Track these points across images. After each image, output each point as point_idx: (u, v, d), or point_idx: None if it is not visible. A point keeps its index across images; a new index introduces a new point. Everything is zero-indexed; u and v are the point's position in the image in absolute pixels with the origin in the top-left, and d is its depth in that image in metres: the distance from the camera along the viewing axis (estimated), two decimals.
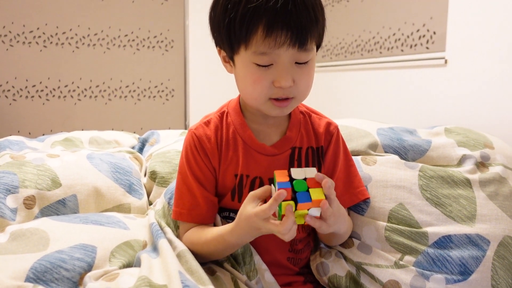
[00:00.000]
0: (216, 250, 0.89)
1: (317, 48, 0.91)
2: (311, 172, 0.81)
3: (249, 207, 0.81)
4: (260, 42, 0.81)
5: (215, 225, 0.94)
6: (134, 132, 1.58)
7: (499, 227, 0.98)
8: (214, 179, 0.94)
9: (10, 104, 2.65)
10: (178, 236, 0.96)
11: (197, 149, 0.93)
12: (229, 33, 0.84)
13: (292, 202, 0.77)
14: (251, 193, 0.82)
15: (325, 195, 0.79)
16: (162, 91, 2.96)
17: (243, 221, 0.82)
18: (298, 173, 0.80)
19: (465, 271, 0.93)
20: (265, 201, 0.80)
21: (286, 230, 0.76)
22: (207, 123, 0.96)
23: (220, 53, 0.92)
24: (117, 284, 0.82)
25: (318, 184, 0.79)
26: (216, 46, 0.92)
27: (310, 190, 0.78)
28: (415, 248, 0.96)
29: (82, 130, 1.77)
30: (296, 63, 0.84)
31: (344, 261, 0.98)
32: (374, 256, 0.97)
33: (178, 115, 3.03)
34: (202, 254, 0.90)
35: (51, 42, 2.67)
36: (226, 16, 0.83)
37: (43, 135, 1.61)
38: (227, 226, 0.86)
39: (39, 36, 2.64)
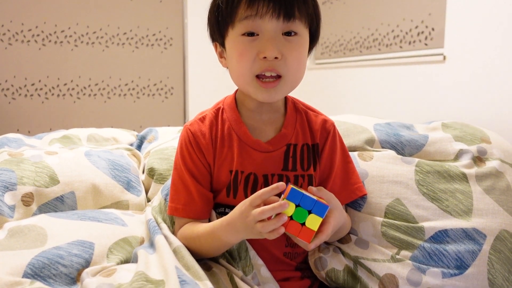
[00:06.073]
0: (206, 244, 0.89)
1: (312, 37, 0.92)
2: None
3: (249, 200, 0.81)
4: (243, 13, 0.84)
5: (210, 221, 0.94)
6: (134, 130, 1.58)
7: (495, 221, 0.99)
8: (209, 174, 0.94)
9: (9, 102, 2.65)
10: (173, 232, 0.96)
11: (192, 145, 0.94)
12: (218, 15, 0.88)
13: (292, 205, 0.77)
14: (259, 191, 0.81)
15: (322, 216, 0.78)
16: (161, 89, 2.96)
17: (236, 209, 0.82)
18: (308, 201, 0.78)
19: (461, 265, 0.93)
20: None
21: (269, 221, 0.76)
22: (202, 119, 0.97)
23: (216, 49, 0.95)
24: (114, 279, 0.82)
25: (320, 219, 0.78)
26: (212, 42, 0.95)
27: (308, 217, 0.77)
28: (411, 243, 0.96)
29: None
30: (283, 34, 0.86)
31: (342, 256, 0.99)
32: (371, 251, 0.97)
33: (177, 113, 3.03)
34: (194, 250, 0.90)
35: (49, 41, 2.67)
36: (216, 1, 0.88)
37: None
38: (219, 220, 0.87)
39: (38, 35, 2.64)
